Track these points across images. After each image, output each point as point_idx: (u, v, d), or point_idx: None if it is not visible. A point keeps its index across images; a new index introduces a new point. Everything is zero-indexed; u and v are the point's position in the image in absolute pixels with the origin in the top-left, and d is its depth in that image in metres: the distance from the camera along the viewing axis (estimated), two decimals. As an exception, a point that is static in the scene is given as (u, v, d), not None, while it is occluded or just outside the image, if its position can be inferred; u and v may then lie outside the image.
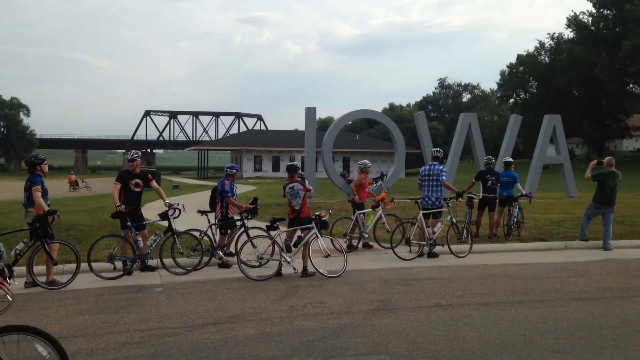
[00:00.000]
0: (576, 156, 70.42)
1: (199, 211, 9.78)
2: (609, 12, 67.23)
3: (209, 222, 9.68)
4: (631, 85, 67.63)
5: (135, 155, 9.25)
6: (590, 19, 69.29)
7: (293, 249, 8.86)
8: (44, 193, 8.06)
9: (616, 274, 8.68)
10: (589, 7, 69.64)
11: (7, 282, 3.95)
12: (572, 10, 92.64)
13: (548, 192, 22.98)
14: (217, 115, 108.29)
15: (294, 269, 8.69)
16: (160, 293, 7.67)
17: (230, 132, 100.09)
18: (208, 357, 5.00)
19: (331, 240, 9.19)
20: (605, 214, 11.41)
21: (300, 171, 9.35)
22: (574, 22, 70.11)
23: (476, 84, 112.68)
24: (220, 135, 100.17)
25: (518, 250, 11.16)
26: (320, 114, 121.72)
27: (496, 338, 5.43)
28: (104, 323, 6.13)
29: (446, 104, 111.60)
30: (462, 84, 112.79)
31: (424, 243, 10.28)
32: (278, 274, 8.63)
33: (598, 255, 10.61)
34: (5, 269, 4.03)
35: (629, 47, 54.45)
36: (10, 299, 3.91)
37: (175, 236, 9.19)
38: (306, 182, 9.24)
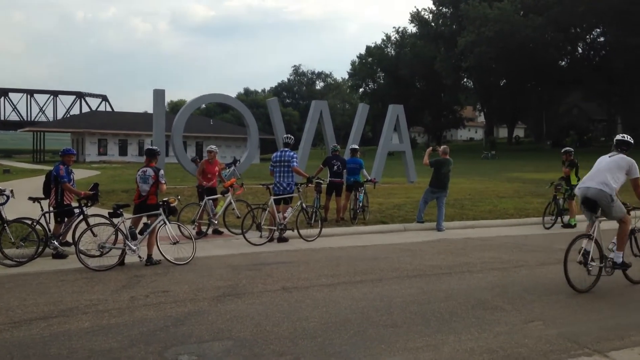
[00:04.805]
0: (418, 144, 75.89)
1: (30, 198, 8.94)
2: (447, 10, 73.13)
3: (42, 210, 8.92)
4: (465, 80, 74.30)
5: None
6: (430, 15, 74.74)
7: (139, 236, 8.48)
8: None
9: (445, 253, 9.51)
10: (430, 4, 75.27)
11: None
12: (415, 7, 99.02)
13: (392, 178, 24.48)
14: (55, 94, 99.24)
15: (140, 257, 8.33)
16: (-17, 289, 6.93)
17: (71, 113, 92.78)
18: (36, 354, 4.63)
19: (179, 226, 8.94)
20: (439, 197, 12.42)
21: (159, 156, 8.96)
22: (416, 17, 75.13)
23: (329, 73, 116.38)
24: (60, 116, 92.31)
25: (362, 233, 11.76)
26: (173, 97, 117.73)
27: (337, 317, 5.68)
28: None
29: (300, 91, 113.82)
30: (316, 72, 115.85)
31: (275, 228, 10.43)
32: (121, 263, 8.22)
33: (432, 235, 11.54)
34: None
35: (463, 44, 59.60)
36: None
37: (5, 224, 8.38)
38: (161, 173, 8.74)
